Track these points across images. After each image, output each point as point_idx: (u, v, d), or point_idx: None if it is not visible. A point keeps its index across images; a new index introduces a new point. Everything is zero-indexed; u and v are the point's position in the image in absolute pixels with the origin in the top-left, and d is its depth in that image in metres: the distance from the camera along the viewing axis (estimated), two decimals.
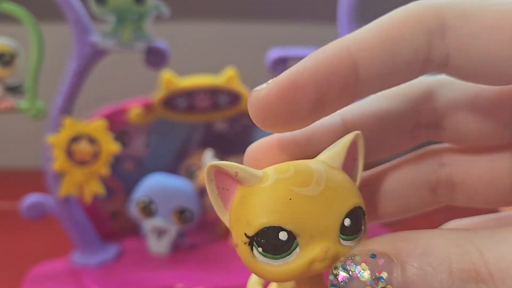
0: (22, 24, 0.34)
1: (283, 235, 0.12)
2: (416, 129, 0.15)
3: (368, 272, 0.11)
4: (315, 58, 0.13)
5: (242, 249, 0.12)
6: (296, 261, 0.12)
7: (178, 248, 0.42)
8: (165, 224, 0.40)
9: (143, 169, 0.45)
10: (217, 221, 0.45)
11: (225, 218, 0.13)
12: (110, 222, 0.45)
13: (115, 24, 0.35)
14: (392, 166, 0.16)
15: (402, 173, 0.16)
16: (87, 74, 0.37)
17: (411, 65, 0.12)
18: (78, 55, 0.36)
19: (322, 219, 0.12)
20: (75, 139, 0.37)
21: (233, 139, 0.47)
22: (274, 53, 0.41)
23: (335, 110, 0.13)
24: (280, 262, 0.12)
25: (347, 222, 0.12)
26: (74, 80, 0.36)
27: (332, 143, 0.14)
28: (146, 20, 0.35)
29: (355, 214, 0.12)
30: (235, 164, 0.13)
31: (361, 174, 0.14)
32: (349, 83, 0.13)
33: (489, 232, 0.11)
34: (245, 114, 0.45)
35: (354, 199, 0.13)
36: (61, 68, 0.40)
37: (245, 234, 0.12)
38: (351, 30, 0.23)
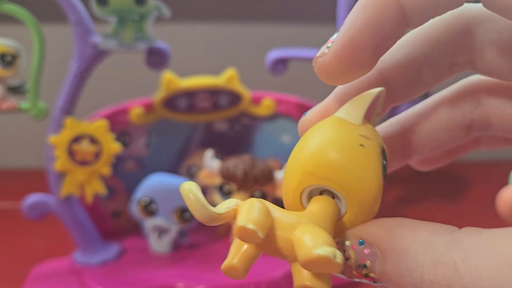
0: (23, 24, 0.34)
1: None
2: (452, 67, 0.16)
3: (355, 259, 0.12)
4: (366, 13, 0.13)
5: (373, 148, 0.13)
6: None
7: (179, 247, 0.42)
8: (166, 223, 0.40)
9: (144, 169, 0.45)
10: None
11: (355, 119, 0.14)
12: (112, 221, 0.45)
13: (116, 25, 0.35)
14: (428, 107, 0.17)
15: (439, 116, 0.16)
16: (89, 75, 0.37)
17: (453, 3, 0.13)
18: (79, 55, 0.36)
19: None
20: (76, 139, 0.37)
21: (233, 139, 0.48)
22: (274, 54, 0.41)
23: (386, 51, 0.14)
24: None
25: None
26: (76, 80, 0.37)
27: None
28: (147, 21, 0.36)
29: None
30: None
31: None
32: (398, 27, 0.13)
33: (476, 242, 0.11)
34: (245, 114, 0.46)
35: None
36: (62, 68, 0.40)
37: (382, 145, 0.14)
38: None
